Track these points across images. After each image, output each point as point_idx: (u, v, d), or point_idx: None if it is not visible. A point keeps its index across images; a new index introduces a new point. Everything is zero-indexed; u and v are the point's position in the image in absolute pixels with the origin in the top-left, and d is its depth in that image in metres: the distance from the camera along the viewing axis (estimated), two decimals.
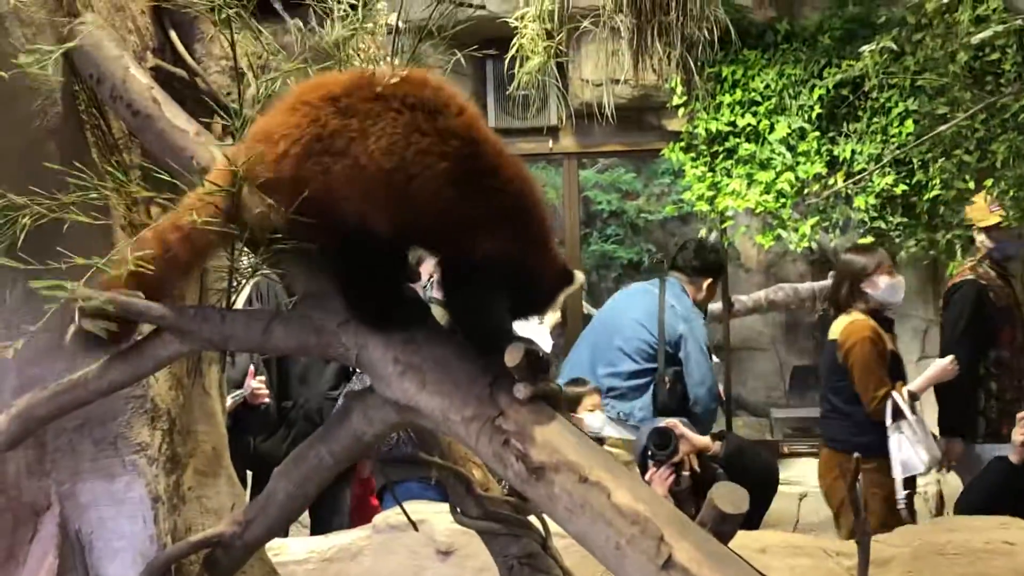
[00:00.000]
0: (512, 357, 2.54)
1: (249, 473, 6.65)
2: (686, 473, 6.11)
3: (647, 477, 6.06)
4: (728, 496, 2.50)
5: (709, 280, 7.63)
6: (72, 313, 2.72)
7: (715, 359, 8.12)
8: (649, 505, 2.47)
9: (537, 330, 7.14)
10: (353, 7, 3.10)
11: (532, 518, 3.16)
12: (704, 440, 6.15)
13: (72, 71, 3.18)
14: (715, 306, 10.76)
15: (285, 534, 5.22)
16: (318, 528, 6.87)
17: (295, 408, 6.73)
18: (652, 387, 7.30)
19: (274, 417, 6.70)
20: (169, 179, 2.91)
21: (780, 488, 6.89)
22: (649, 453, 6.06)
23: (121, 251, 2.82)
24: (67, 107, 3.17)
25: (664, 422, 6.29)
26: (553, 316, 8.79)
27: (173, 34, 3.39)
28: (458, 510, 3.21)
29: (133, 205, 3.25)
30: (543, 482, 2.56)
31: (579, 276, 2.86)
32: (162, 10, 3.41)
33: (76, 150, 3.13)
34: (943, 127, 5.85)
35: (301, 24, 3.33)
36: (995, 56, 7.70)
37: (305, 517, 7.19)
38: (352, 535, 5.28)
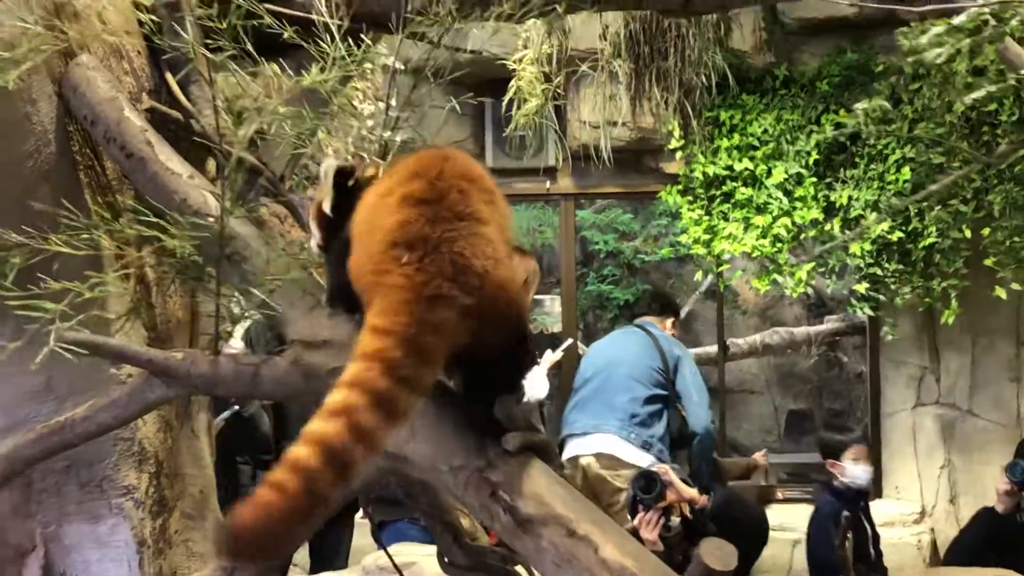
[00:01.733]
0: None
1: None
2: (676, 519, 6.07)
3: (635, 521, 6.03)
4: (716, 552, 2.48)
5: (672, 318, 7.98)
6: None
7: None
8: (636, 560, 2.45)
9: (534, 372, 7.16)
10: (350, 50, 3.09)
11: (520, 568, 3.13)
12: (691, 492, 6.12)
13: (67, 112, 3.17)
14: (710, 349, 10.75)
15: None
16: (317, 568, 6.83)
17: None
18: (665, 411, 7.39)
19: (266, 438, 6.65)
20: (160, 221, 2.90)
21: (773, 534, 6.86)
22: (636, 498, 6.03)
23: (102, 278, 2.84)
24: (61, 148, 3.17)
25: (654, 467, 6.27)
26: (551, 357, 8.85)
27: (169, 76, 3.39)
28: (446, 559, 3.18)
29: (125, 245, 3.24)
30: (531, 535, 2.53)
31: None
32: (159, 51, 3.41)
33: (70, 190, 3.13)
34: (937, 184, 5.85)
35: (298, 65, 3.33)
36: (992, 107, 7.72)
37: (304, 558, 7.14)
38: None
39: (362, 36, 3.28)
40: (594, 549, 2.46)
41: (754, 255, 8.77)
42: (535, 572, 2.88)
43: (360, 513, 6.97)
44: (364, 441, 2.24)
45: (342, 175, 2.75)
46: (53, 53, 3.09)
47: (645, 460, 6.90)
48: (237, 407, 6.36)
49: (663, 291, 8.50)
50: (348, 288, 2.54)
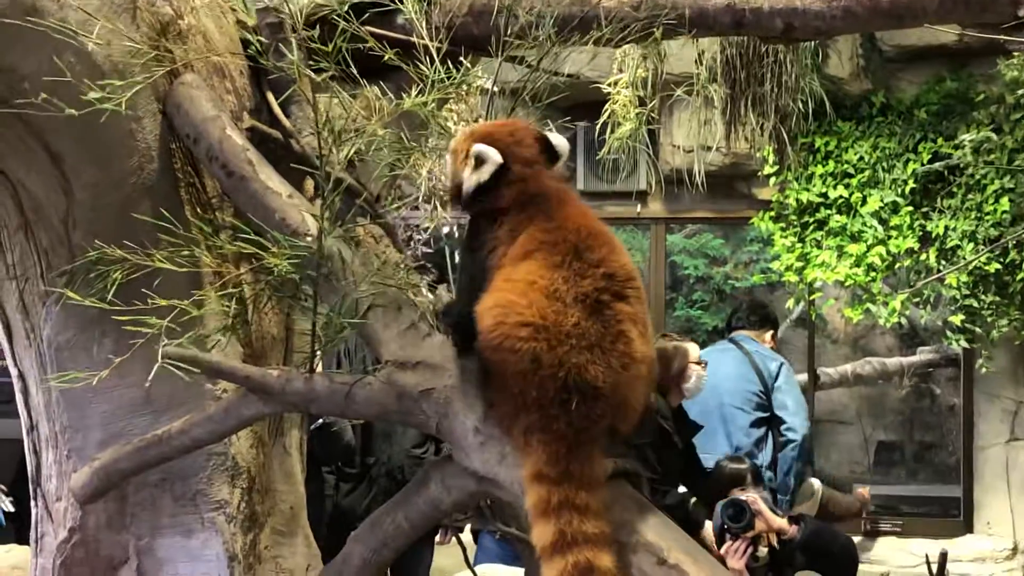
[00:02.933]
0: None
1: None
2: (764, 548, 6.00)
3: (723, 550, 5.97)
4: None
5: (771, 331, 7.75)
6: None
7: None
8: None
9: None
10: (449, 73, 3.11)
11: None
12: (781, 522, 6.03)
13: (170, 130, 3.22)
14: (800, 377, 10.64)
15: None
16: None
17: (377, 464, 6.73)
18: (770, 434, 7.30)
19: (350, 449, 6.71)
20: (259, 239, 2.93)
21: (862, 567, 6.75)
22: (724, 526, 5.97)
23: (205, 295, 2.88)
24: (163, 165, 3.22)
25: (743, 496, 6.20)
26: None
27: (270, 95, 3.43)
28: None
29: (223, 262, 3.28)
30: (621, 562, 2.52)
31: None
32: (260, 71, 3.45)
33: (171, 207, 3.17)
34: None
35: (398, 87, 3.35)
36: None
37: None
38: None
39: (461, 59, 3.29)
40: None
41: (847, 284, 8.68)
42: None
43: (439, 535, 7.00)
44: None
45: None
46: (157, 71, 3.14)
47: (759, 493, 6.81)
48: (323, 419, 6.42)
49: (760, 302, 8.27)
50: (469, 320, 2.60)
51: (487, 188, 2.75)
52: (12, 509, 6.25)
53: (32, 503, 3.55)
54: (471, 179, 2.77)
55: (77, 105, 2.82)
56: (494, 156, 2.74)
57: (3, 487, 6.47)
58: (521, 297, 2.53)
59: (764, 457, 7.25)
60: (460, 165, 2.81)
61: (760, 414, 7.34)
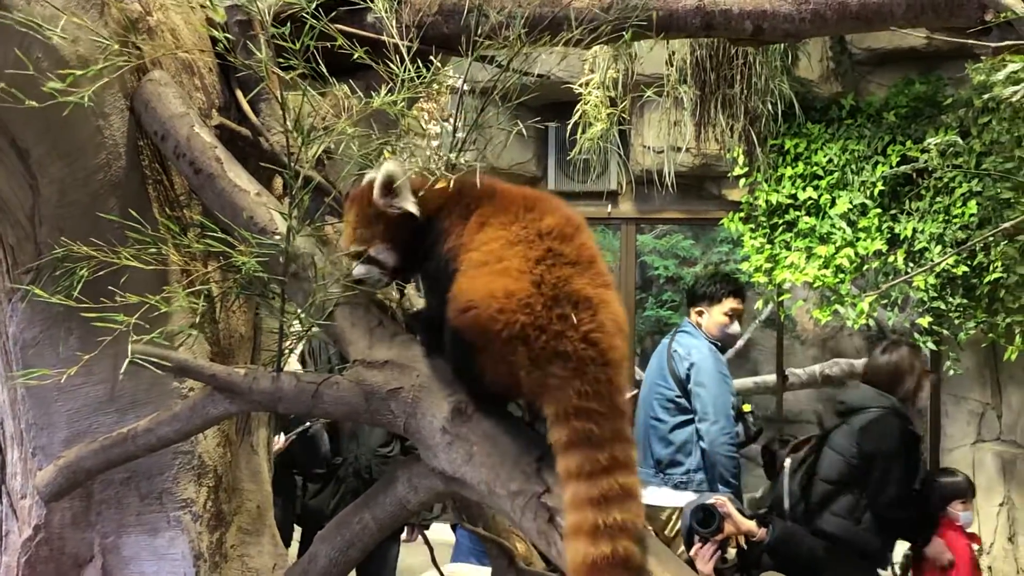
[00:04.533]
0: None
1: (297, 529, 6.67)
2: (733, 550, 6.01)
3: (691, 553, 5.97)
4: None
5: (697, 308, 7.44)
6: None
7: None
8: None
9: None
10: (419, 72, 3.10)
11: None
12: (749, 524, 6.03)
13: (138, 127, 3.21)
14: (769, 378, 10.68)
15: None
16: None
17: (344, 464, 6.74)
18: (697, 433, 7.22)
19: (324, 456, 6.72)
20: (226, 237, 2.92)
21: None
22: (692, 529, 5.98)
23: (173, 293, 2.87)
24: (131, 162, 3.20)
25: (711, 499, 6.21)
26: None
27: (239, 93, 3.42)
28: None
29: (191, 260, 3.27)
30: None
31: None
32: (230, 68, 3.44)
33: (139, 204, 3.16)
34: (1010, 222, 5.78)
35: (367, 86, 3.35)
36: None
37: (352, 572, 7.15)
38: None
39: (431, 58, 3.29)
40: None
41: (816, 285, 8.70)
42: None
43: (405, 533, 7.01)
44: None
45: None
46: (126, 69, 3.12)
47: (684, 498, 6.79)
48: (308, 424, 6.43)
49: (711, 274, 7.94)
50: (439, 322, 2.62)
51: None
52: None
53: None
54: (408, 200, 2.77)
55: (46, 102, 2.80)
56: (395, 168, 2.77)
57: None
58: (480, 265, 2.59)
59: (690, 463, 7.14)
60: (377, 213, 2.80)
61: (681, 416, 7.22)
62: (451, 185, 2.76)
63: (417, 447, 2.80)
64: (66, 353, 3.16)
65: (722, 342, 7.37)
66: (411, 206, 2.74)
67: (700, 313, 7.36)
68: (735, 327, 7.36)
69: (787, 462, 6.44)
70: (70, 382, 3.17)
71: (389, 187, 2.75)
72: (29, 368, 3.17)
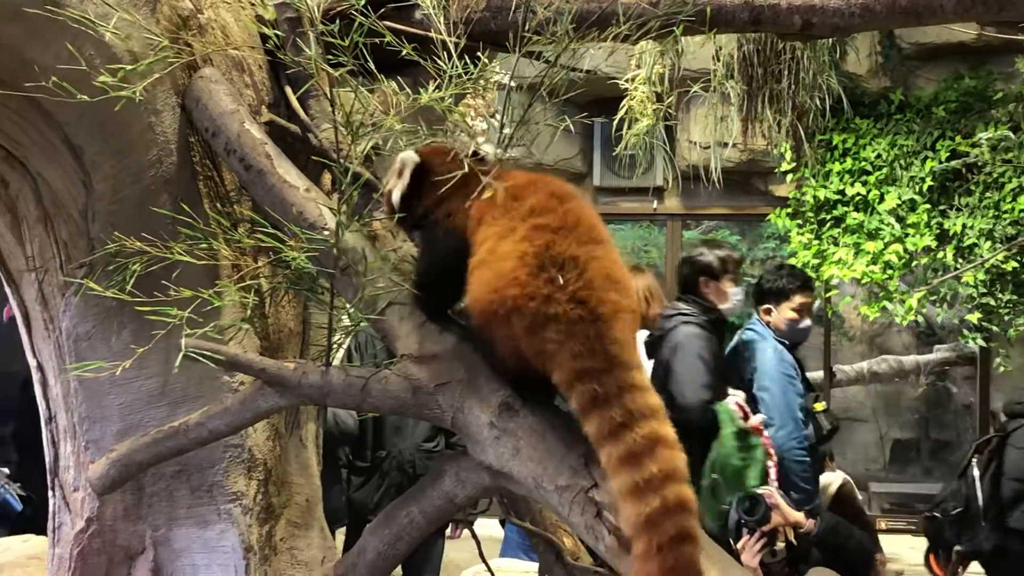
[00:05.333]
0: None
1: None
2: (781, 544, 5.98)
3: (738, 545, 5.96)
4: None
5: (764, 305, 7.37)
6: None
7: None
8: None
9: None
10: (466, 68, 3.11)
11: None
12: (797, 515, 6.00)
13: (189, 124, 3.24)
14: (816, 375, 10.60)
15: None
16: None
17: (388, 458, 6.75)
18: None
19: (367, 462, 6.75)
20: (276, 232, 2.95)
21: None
22: (740, 521, 5.95)
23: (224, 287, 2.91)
24: (182, 158, 3.24)
25: (759, 490, 6.18)
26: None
27: (289, 90, 3.44)
28: None
29: (241, 255, 3.29)
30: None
31: None
32: (279, 65, 3.46)
33: (189, 200, 3.19)
34: None
35: (415, 82, 3.36)
36: None
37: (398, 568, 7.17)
38: None
39: (478, 54, 3.30)
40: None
41: (864, 281, 8.66)
42: None
43: (449, 530, 7.01)
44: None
45: (421, 171, 2.87)
46: (177, 66, 3.15)
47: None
48: None
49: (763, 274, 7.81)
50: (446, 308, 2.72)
51: (413, 192, 2.86)
52: (24, 493, 6.28)
53: (50, 493, 3.57)
54: (396, 185, 2.86)
55: (99, 101, 2.83)
56: (411, 156, 2.87)
57: (6, 471, 6.49)
58: (483, 261, 2.61)
59: None
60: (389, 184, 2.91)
61: None
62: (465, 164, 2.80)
63: (464, 442, 2.81)
64: (118, 347, 3.20)
65: (792, 339, 7.12)
66: (396, 192, 2.85)
67: (768, 311, 7.22)
68: (806, 323, 7.10)
69: (974, 461, 6.40)
70: (122, 376, 3.20)
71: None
72: (82, 362, 3.21)
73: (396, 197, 2.86)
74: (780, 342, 7.02)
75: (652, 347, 6.45)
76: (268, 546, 3.41)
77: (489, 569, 3.70)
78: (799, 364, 7.14)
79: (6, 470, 6.49)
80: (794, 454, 6.75)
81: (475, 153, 2.92)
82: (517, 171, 2.88)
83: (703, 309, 6.47)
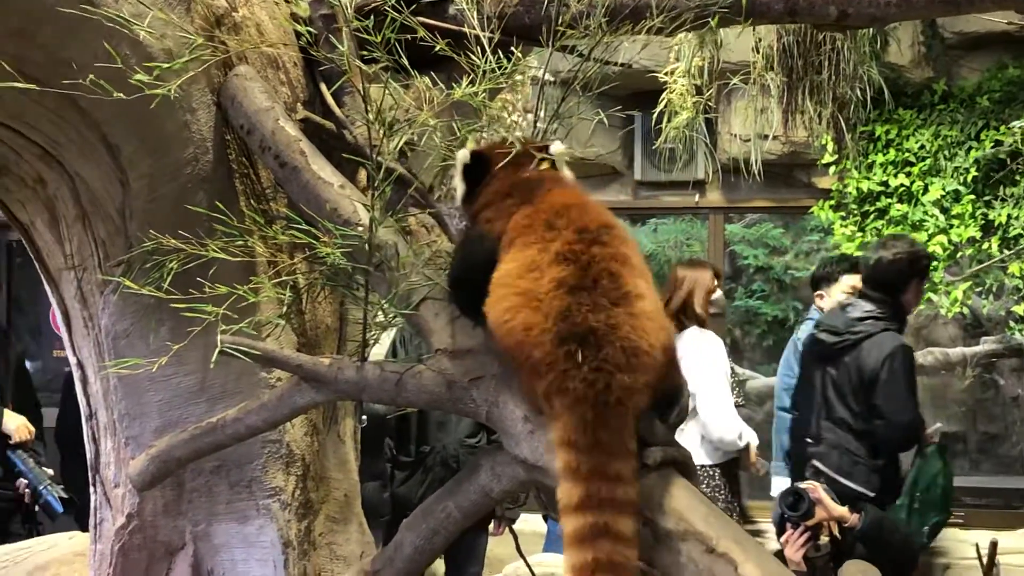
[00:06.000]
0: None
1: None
2: (825, 539, 5.95)
3: (782, 540, 5.93)
4: (858, 575, 2.44)
5: (818, 292, 7.37)
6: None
7: None
8: None
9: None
10: (500, 63, 3.11)
11: None
12: (841, 510, 5.96)
13: (224, 121, 3.26)
14: None
15: None
16: (452, 573, 6.91)
17: (432, 453, 6.79)
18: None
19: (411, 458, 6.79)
20: (311, 229, 2.97)
21: (923, 559, 6.69)
22: (784, 516, 5.93)
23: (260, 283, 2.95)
24: (218, 156, 3.26)
25: (802, 485, 6.15)
26: None
27: (323, 87, 3.45)
28: None
29: (278, 252, 3.31)
30: (670, 550, 2.54)
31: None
32: (315, 63, 3.48)
33: (226, 197, 3.21)
34: None
35: (449, 77, 3.36)
36: None
37: (439, 563, 7.21)
38: None
39: (512, 49, 3.30)
40: (734, 567, 2.45)
41: None
42: None
43: (492, 525, 7.03)
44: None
45: (474, 165, 2.89)
46: (212, 64, 3.17)
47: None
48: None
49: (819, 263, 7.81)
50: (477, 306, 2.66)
51: (473, 188, 2.89)
52: (66, 496, 6.34)
53: (91, 490, 3.61)
54: (458, 181, 2.91)
55: (135, 99, 2.85)
56: (464, 154, 2.89)
57: (51, 472, 6.56)
58: (505, 286, 2.60)
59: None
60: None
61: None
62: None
63: (499, 436, 2.82)
64: (157, 344, 3.22)
65: None
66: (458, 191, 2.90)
67: (820, 296, 7.23)
68: None
69: None
70: (161, 372, 3.24)
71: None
72: (121, 359, 3.24)
73: (458, 196, 2.89)
74: None
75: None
76: (307, 541, 3.43)
77: (527, 565, 3.71)
78: None
79: (50, 471, 6.56)
80: None
81: (544, 148, 2.92)
82: (563, 182, 2.88)
83: (894, 313, 6.35)
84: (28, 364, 7.72)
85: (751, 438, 7.06)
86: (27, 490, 6.48)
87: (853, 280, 7.04)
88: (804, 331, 7.14)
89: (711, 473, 6.86)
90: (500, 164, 2.86)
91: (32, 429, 6.58)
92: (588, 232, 2.62)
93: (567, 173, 2.94)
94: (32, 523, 6.62)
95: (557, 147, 2.95)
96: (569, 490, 2.45)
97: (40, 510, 6.53)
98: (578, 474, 2.44)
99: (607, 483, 2.43)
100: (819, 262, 7.69)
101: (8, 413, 6.52)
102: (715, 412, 6.80)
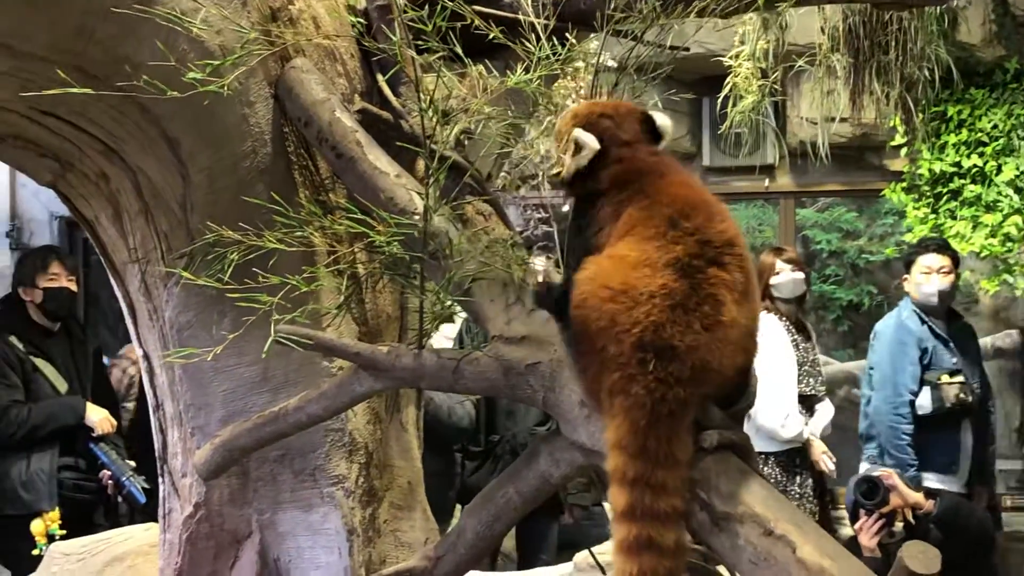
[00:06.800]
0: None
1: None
2: (900, 525, 5.90)
3: (856, 527, 5.89)
4: (919, 556, 2.42)
5: (904, 275, 7.28)
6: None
7: None
8: (836, 561, 2.42)
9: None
10: (555, 49, 3.11)
11: (721, 568, 3.11)
12: (916, 496, 5.92)
13: (282, 114, 3.29)
14: None
15: (492, 567, 5.25)
16: (524, 558, 6.93)
17: (502, 442, 6.82)
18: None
19: (481, 447, 6.83)
20: (367, 218, 2.98)
21: (1004, 545, 6.61)
22: (856, 502, 5.89)
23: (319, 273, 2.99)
24: (276, 148, 3.29)
25: (877, 471, 6.10)
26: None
27: (380, 77, 3.47)
28: None
29: (336, 242, 3.34)
30: (727, 533, 2.53)
31: None
32: (371, 53, 3.50)
33: (285, 189, 3.24)
34: None
35: (505, 65, 3.37)
36: None
37: (512, 547, 7.24)
38: (554, 571, 5.29)
39: (567, 35, 3.29)
40: (792, 549, 2.44)
41: (983, 255, 8.49)
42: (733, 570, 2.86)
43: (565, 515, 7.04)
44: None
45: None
46: (269, 57, 3.21)
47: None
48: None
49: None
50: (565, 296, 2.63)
51: (586, 172, 2.76)
52: (148, 486, 6.43)
53: (159, 480, 3.67)
54: (571, 164, 2.77)
55: (194, 94, 2.89)
56: (591, 143, 2.73)
57: (133, 464, 6.65)
58: (610, 267, 2.55)
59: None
60: (562, 148, 2.82)
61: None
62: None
63: (557, 421, 2.82)
64: (219, 335, 3.25)
65: (925, 304, 7.07)
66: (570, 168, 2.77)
67: (905, 280, 7.21)
68: (931, 285, 7.00)
69: None
70: (225, 363, 3.29)
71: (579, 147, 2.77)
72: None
73: (569, 172, 2.79)
74: (919, 311, 6.95)
75: None
76: (371, 528, 3.46)
77: (593, 556, 3.73)
78: (954, 334, 7.08)
79: (132, 463, 6.66)
80: (888, 419, 6.72)
81: (652, 125, 2.84)
82: (680, 169, 2.83)
83: None
84: (105, 359, 7.82)
85: (813, 431, 6.98)
86: (110, 481, 6.58)
87: (928, 260, 6.99)
88: (907, 314, 7.07)
89: (766, 461, 6.78)
90: (619, 141, 2.77)
91: (114, 422, 6.69)
92: (712, 248, 2.56)
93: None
94: (114, 515, 6.72)
95: (662, 119, 2.87)
96: (616, 495, 2.48)
97: (123, 501, 6.63)
98: (624, 480, 2.47)
99: (651, 492, 2.44)
100: (911, 245, 7.69)
101: (91, 406, 6.62)
102: (759, 399, 6.71)
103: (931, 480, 6.66)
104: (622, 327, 2.48)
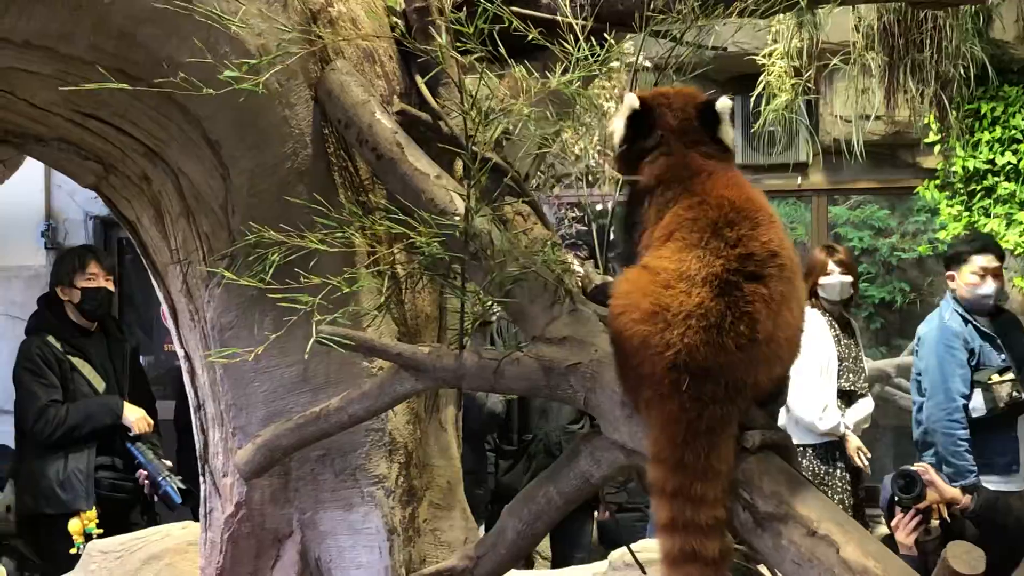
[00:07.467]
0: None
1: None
2: (936, 522, 5.87)
3: (892, 524, 5.87)
4: (963, 556, 2.42)
5: (950, 272, 7.07)
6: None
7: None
8: (879, 561, 2.42)
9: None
10: (593, 50, 3.11)
11: (762, 568, 3.11)
12: (953, 491, 5.89)
13: (322, 115, 3.31)
14: None
15: (529, 566, 5.26)
16: (560, 557, 6.93)
17: (535, 441, 6.83)
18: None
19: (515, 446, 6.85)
20: (408, 219, 3.00)
21: None
22: (895, 498, 5.86)
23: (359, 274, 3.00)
24: (316, 150, 3.31)
25: (914, 467, 6.07)
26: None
27: (419, 79, 3.48)
28: None
29: (377, 243, 3.35)
30: (770, 533, 2.53)
31: None
32: (410, 55, 3.51)
33: (325, 190, 3.26)
34: None
35: (544, 66, 3.38)
36: None
37: (547, 547, 7.25)
38: (588, 570, 5.29)
39: (605, 36, 3.30)
40: (835, 549, 2.45)
41: (1016, 253, 8.44)
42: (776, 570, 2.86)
43: (599, 512, 7.04)
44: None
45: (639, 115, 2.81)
46: (309, 59, 3.22)
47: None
48: None
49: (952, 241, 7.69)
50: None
51: (634, 147, 2.80)
52: (184, 487, 6.46)
53: (200, 479, 3.69)
54: (618, 126, 2.82)
55: (235, 96, 2.91)
56: (631, 101, 2.79)
57: (169, 464, 6.68)
58: (647, 283, 2.56)
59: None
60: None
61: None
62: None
63: (598, 421, 2.83)
64: (261, 335, 3.27)
65: (976, 306, 6.90)
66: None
67: (951, 278, 7.02)
68: (986, 287, 6.83)
69: None
70: (266, 363, 3.31)
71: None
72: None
73: (616, 140, 2.84)
74: (962, 311, 6.82)
75: None
76: (411, 527, 3.48)
77: (631, 551, 3.72)
78: (999, 329, 6.94)
79: (169, 463, 6.69)
80: (942, 425, 6.58)
81: (711, 112, 2.83)
82: (729, 168, 2.81)
83: None
84: (141, 359, 7.87)
85: (847, 426, 6.94)
86: (146, 481, 6.61)
87: (983, 260, 6.86)
88: (949, 315, 6.93)
89: (804, 452, 6.72)
90: (668, 127, 2.79)
91: (151, 421, 6.72)
92: (753, 261, 2.54)
93: (728, 132, 2.87)
94: (150, 514, 6.76)
95: (723, 102, 2.85)
96: (657, 507, 2.52)
97: (159, 501, 6.67)
98: (664, 493, 2.50)
99: (691, 505, 2.47)
100: (953, 239, 7.54)
101: (128, 406, 6.65)
102: (797, 392, 6.65)
103: (993, 483, 6.52)
104: (655, 349, 2.50)
